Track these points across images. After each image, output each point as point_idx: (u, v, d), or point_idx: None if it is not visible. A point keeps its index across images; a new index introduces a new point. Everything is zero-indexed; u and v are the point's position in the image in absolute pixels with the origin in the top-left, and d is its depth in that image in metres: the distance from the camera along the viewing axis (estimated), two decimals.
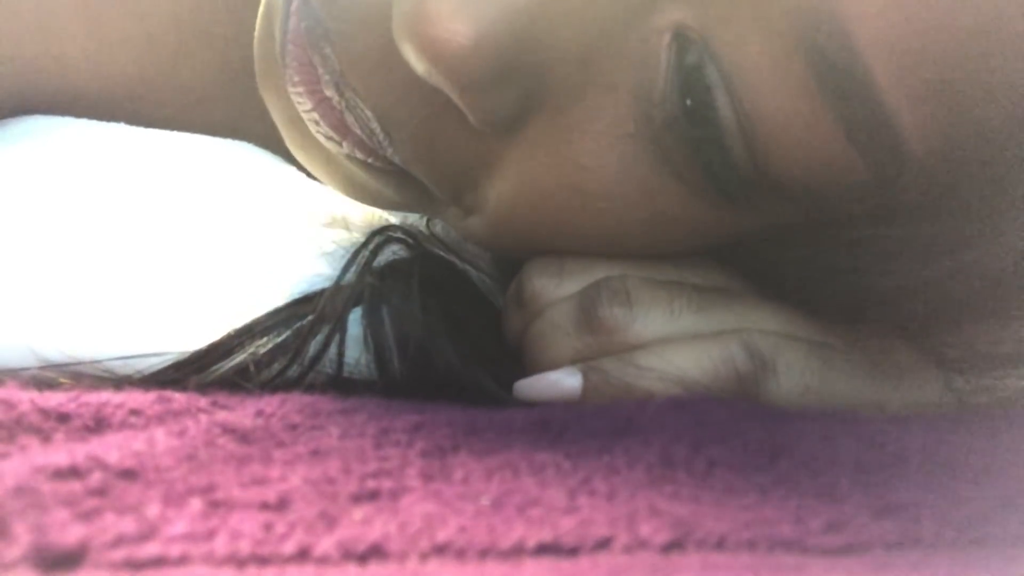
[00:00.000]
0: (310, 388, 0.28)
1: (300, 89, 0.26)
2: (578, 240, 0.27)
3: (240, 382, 0.28)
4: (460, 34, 0.21)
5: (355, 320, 0.29)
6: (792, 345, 0.26)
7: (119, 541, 0.15)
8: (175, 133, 0.36)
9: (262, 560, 0.15)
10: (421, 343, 0.29)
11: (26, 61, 0.34)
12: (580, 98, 0.24)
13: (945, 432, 0.22)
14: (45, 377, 0.28)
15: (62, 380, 0.28)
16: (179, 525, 0.15)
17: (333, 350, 0.29)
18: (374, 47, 0.24)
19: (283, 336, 0.29)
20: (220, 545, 0.15)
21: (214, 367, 0.28)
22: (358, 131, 0.26)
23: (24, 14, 0.34)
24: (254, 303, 0.30)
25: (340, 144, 0.27)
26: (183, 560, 0.14)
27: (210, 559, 0.15)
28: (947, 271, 0.25)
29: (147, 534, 0.15)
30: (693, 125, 0.23)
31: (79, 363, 0.28)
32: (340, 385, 0.29)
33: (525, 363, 0.29)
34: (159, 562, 0.14)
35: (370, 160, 0.27)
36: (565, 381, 0.26)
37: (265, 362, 0.28)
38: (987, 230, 0.24)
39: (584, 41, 0.23)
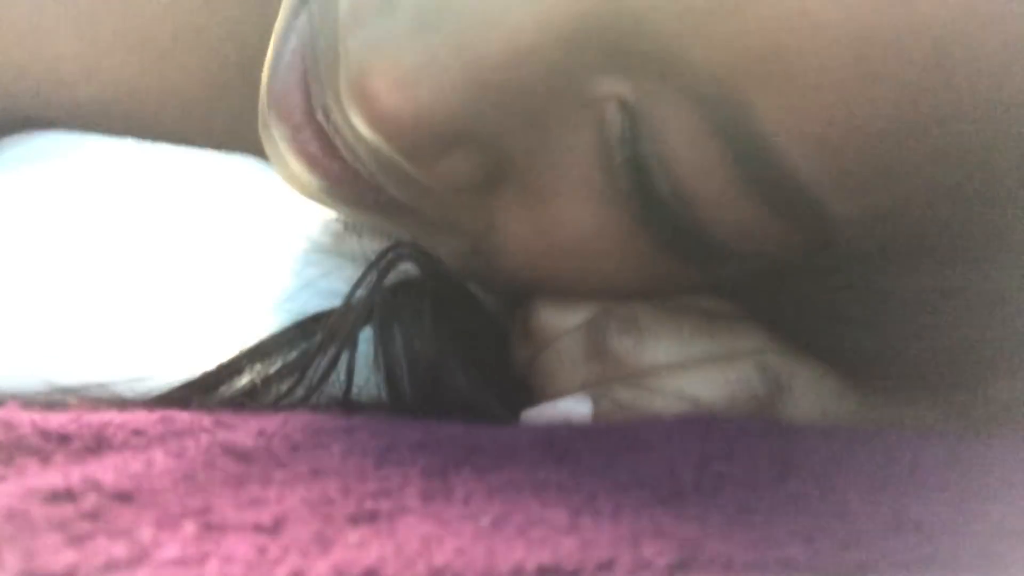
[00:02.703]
0: (318, 408, 0.28)
1: (281, 112, 0.26)
2: (569, 288, 0.27)
3: (248, 402, 0.28)
4: (398, 111, 0.22)
5: (364, 339, 0.29)
6: (808, 366, 0.26)
7: (109, 567, 0.14)
8: (182, 149, 0.36)
9: None
10: (432, 364, 0.28)
11: (19, 68, 0.34)
12: (542, 159, 0.24)
13: (963, 446, 0.21)
14: (56, 401, 0.28)
15: (71, 402, 0.28)
16: (171, 549, 0.15)
17: (342, 370, 0.28)
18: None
19: (293, 355, 0.29)
20: (211, 570, 0.14)
21: (223, 387, 0.28)
22: (340, 166, 0.26)
23: (15, 20, 0.34)
24: (263, 322, 0.30)
25: (319, 178, 0.27)
26: None
27: None
28: (949, 321, 0.25)
29: (138, 559, 0.15)
30: (639, 195, 0.23)
31: (88, 386, 0.28)
32: (348, 406, 0.28)
33: (534, 395, 0.28)
34: None
35: (357, 193, 0.27)
36: (575, 409, 0.26)
37: (275, 381, 0.28)
38: (974, 279, 0.24)
39: (527, 110, 0.23)
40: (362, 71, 0.22)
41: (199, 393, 0.28)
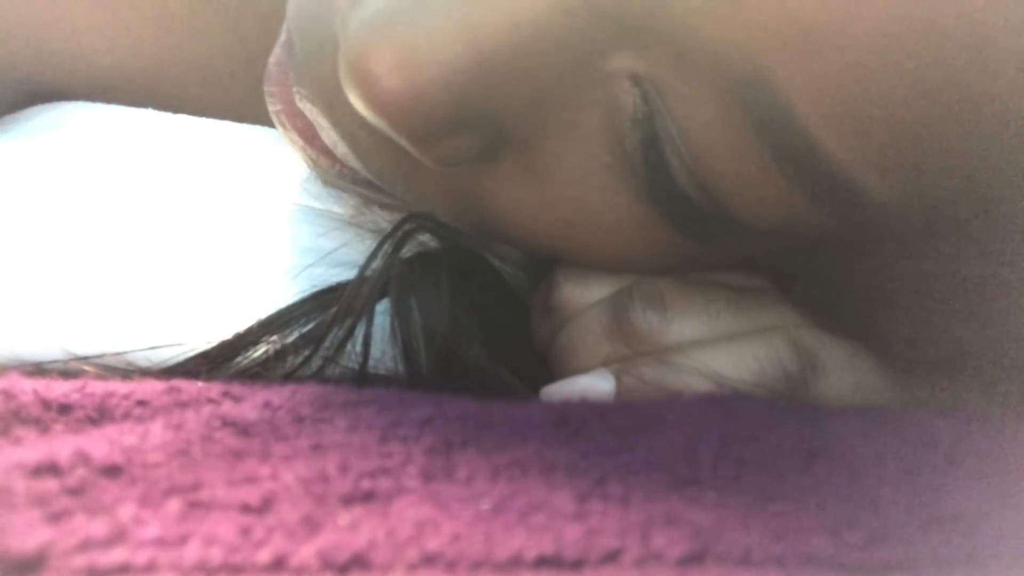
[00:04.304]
0: (333, 381, 0.27)
1: (272, 88, 0.26)
2: (581, 259, 0.26)
3: (264, 373, 0.27)
4: (399, 92, 0.21)
5: (381, 312, 0.28)
6: (840, 342, 0.25)
7: (84, 546, 0.14)
8: (201, 120, 0.35)
9: (234, 569, 0.14)
10: (449, 337, 0.27)
11: (40, 40, 0.34)
12: (548, 136, 0.23)
13: (1008, 431, 0.20)
14: (73, 369, 0.27)
15: (88, 368, 0.27)
16: (151, 529, 0.14)
17: (358, 342, 0.28)
18: (330, 73, 0.24)
19: (309, 327, 0.28)
20: (190, 552, 0.14)
21: (239, 357, 0.28)
22: (324, 143, 0.26)
23: None
24: (281, 293, 0.29)
25: (303, 148, 0.27)
26: (149, 568, 0.13)
27: (178, 567, 0.13)
28: (993, 307, 0.23)
29: (115, 538, 0.14)
30: (653, 174, 0.22)
31: (103, 355, 0.28)
32: (364, 380, 0.28)
33: (554, 371, 0.27)
34: (123, 570, 0.13)
35: (335, 168, 0.27)
36: (597, 385, 0.25)
37: (290, 353, 0.28)
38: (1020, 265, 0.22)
39: (532, 88, 0.22)
40: (360, 52, 0.21)
41: (215, 363, 0.27)
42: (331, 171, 0.27)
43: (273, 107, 0.26)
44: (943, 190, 0.21)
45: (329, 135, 0.25)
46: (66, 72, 0.35)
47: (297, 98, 0.25)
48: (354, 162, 0.26)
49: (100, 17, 0.35)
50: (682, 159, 0.22)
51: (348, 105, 0.23)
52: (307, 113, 0.25)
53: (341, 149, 0.25)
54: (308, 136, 0.26)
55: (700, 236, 0.24)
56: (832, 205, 0.22)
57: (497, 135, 0.23)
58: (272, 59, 0.26)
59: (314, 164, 0.27)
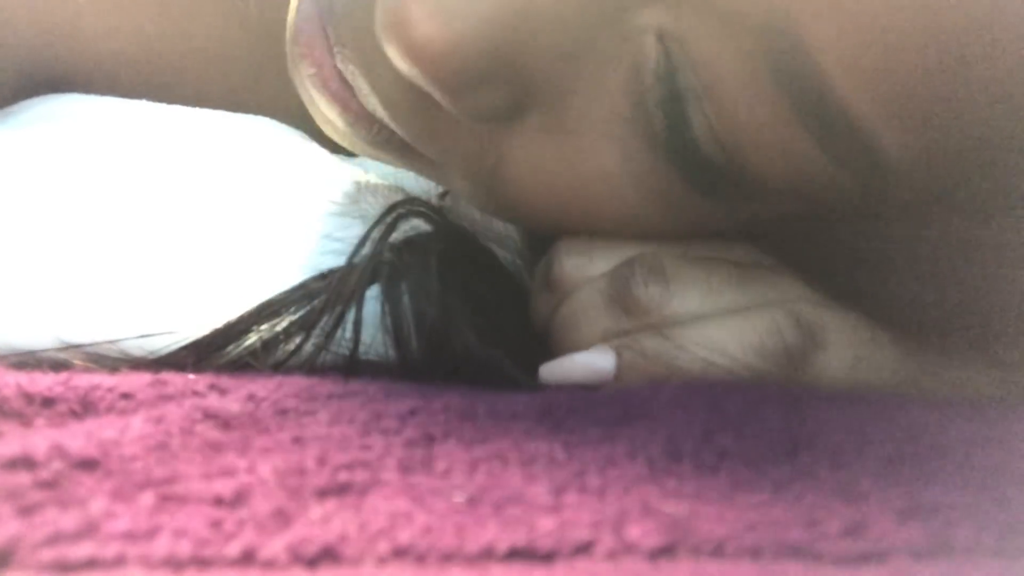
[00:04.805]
0: (324, 369, 0.27)
1: (304, 50, 0.26)
2: (591, 223, 0.26)
3: (254, 362, 0.27)
4: (436, 40, 0.21)
5: (372, 297, 0.28)
6: (840, 315, 0.25)
7: (53, 540, 0.14)
8: (196, 110, 0.35)
9: (202, 563, 0.13)
10: (439, 322, 0.27)
11: (40, 27, 0.34)
12: (572, 91, 0.23)
13: (992, 422, 0.20)
14: (63, 359, 0.27)
15: (77, 362, 0.27)
16: (121, 522, 0.14)
17: (348, 329, 0.28)
18: (370, 28, 0.24)
19: (299, 314, 0.28)
20: (159, 546, 0.14)
21: (231, 346, 0.28)
22: (359, 104, 0.26)
23: None
24: (273, 280, 0.29)
25: (340, 114, 0.26)
26: (117, 562, 0.13)
27: (146, 561, 0.13)
28: (1002, 276, 0.23)
29: (84, 532, 0.14)
30: (673, 130, 0.23)
31: (96, 344, 0.28)
32: (355, 367, 0.28)
33: (554, 347, 0.27)
34: (91, 564, 0.13)
35: (373, 132, 0.26)
36: (597, 361, 0.25)
37: (281, 341, 0.28)
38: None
39: (563, 42, 0.22)
40: (397, 1, 0.21)
41: (206, 352, 0.27)
42: (367, 136, 0.27)
43: (305, 71, 0.26)
44: (957, 153, 0.21)
45: (367, 97, 0.25)
46: (67, 58, 0.35)
47: (338, 59, 0.25)
48: (391, 123, 0.26)
49: (103, 4, 0.35)
50: (704, 114, 0.22)
51: (385, 64, 0.23)
52: (348, 75, 0.25)
53: (379, 112, 0.26)
54: (344, 101, 0.26)
55: (715, 193, 0.24)
56: (849, 162, 0.22)
57: (525, 90, 0.23)
58: (299, 17, 0.25)
59: (349, 129, 0.27)
